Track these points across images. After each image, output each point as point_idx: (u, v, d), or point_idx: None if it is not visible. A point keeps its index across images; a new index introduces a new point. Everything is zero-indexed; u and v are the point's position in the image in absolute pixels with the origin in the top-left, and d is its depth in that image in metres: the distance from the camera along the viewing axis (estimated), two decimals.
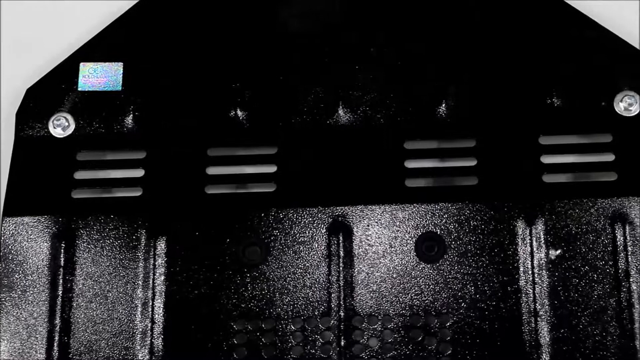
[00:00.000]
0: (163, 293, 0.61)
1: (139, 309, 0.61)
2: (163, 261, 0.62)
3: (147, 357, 0.60)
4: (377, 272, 0.61)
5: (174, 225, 0.62)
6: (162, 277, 0.61)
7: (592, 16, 0.64)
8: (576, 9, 0.64)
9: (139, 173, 0.63)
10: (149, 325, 0.61)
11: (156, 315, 0.61)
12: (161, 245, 0.62)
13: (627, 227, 0.60)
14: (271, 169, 0.63)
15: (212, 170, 0.63)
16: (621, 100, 0.62)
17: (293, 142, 0.63)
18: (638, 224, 0.60)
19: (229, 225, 0.62)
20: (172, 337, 0.61)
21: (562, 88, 0.63)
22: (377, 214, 0.62)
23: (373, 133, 0.63)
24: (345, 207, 0.62)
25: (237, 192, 0.63)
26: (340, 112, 0.64)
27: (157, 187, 0.63)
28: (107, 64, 0.65)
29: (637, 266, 0.60)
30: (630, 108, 0.62)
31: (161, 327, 0.61)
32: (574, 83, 0.63)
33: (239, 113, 0.64)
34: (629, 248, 0.60)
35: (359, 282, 0.61)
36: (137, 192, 0.63)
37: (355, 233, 0.62)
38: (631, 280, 0.60)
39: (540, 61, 0.64)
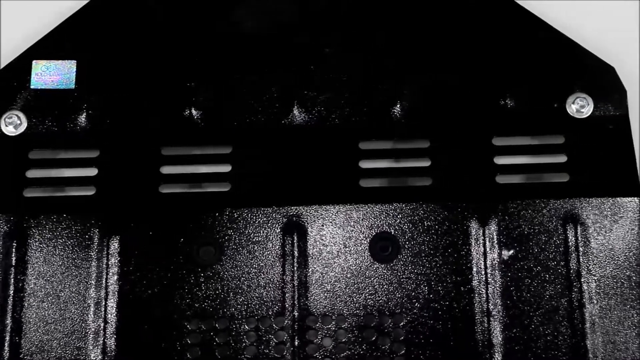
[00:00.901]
0: (116, 293, 0.61)
1: (92, 309, 0.61)
2: (116, 261, 0.61)
3: (100, 357, 0.60)
4: (331, 272, 0.61)
5: (127, 224, 0.61)
6: (115, 277, 0.61)
7: (545, 19, 0.65)
8: (529, 11, 0.65)
9: (92, 172, 0.63)
10: (102, 325, 0.60)
11: (109, 315, 0.60)
12: (114, 245, 0.61)
13: (579, 228, 0.61)
14: (226, 168, 0.63)
15: (166, 170, 0.63)
16: (573, 102, 0.63)
17: (248, 141, 0.63)
18: (589, 224, 0.61)
19: (182, 225, 0.62)
20: (125, 337, 0.60)
21: (515, 90, 0.64)
22: (332, 214, 0.62)
23: (328, 133, 0.63)
24: (300, 207, 0.62)
25: (191, 192, 0.63)
26: (295, 112, 0.64)
27: (110, 186, 0.62)
28: (60, 62, 0.64)
29: (588, 267, 0.61)
30: (582, 110, 0.63)
31: (114, 327, 0.60)
32: (527, 85, 0.64)
33: (194, 112, 0.64)
34: (581, 249, 0.61)
35: (313, 282, 0.61)
36: (90, 191, 0.63)
37: (309, 233, 0.62)
38: (582, 280, 0.60)
39: (494, 63, 0.64)
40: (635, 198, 0.61)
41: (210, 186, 0.63)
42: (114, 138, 0.63)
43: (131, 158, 0.63)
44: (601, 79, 0.63)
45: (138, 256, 0.61)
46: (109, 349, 0.60)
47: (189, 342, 0.60)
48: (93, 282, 0.61)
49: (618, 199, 0.61)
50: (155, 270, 0.61)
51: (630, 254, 0.60)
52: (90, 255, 0.61)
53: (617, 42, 0.67)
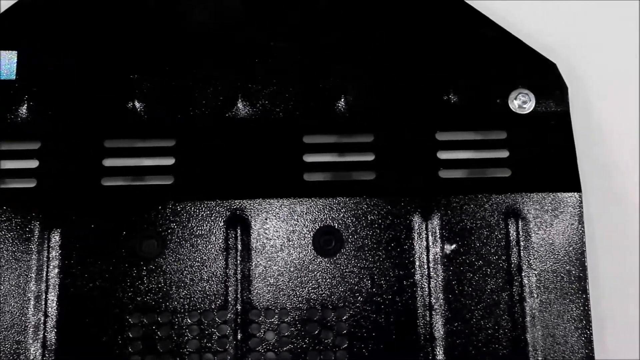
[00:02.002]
0: (57, 286, 0.60)
1: (32, 302, 0.60)
2: (57, 254, 0.61)
3: (40, 351, 0.59)
4: (274, 265, 0.61)
5: (68, 217, 0.61)
6: (56, 270, 0.60)
7: (489, 15, 0.65)
8: (474, 7, 0.65)
9: (33, 164, 0.62)
10: (42, 318, 0.60)
11: (49, 309, 0.60)
12: (55, 238, 0.61)
13: (520, 223, 0.62)
14: (169, 161, 0.63)
15: (108, 162, 0.63)
16: (515, 98, 0.64)
17: (191, 134, 0.63)
18: (530, 219, 0.62)
19: (125, 218, 0.61)
20: (66, 331, 0.60)
21: (459, 85, 0.64)
22: (275, 207, 0.62)
23: (272, 127, 0.63)
24: (244, 201, 0.62)
25: (134, 185, 0.63)
26: (240, 105, 0.64)
27: (51, 179, 0.62)
28: (1, 52, 0.64)
29: (528, 261, 0.61)
30: (524, 106, 0.64)
31: (54, 320, 0.60)
32: (470, 80, 0.64)
33: (137, 104, 0.63)
34: (522, 243, 0.61)
35: (257, 275, 0.61)
36: (30, 184, 0.62)
37: (253, 226, 0.61)
38: (523, 274, 0.61)
39: (438, 58, 0.64)
40: (576, 193, 0.62)
41: (153, 179, 0.63)
42: (55, 130, 0.62)
43: (73, 150, 0.62)
44: (543, 76, 0.64)
45: (79, 249, 0.61)
46: (49, 342, 0.60)
47: (131, 335, 0.60)
48: (33, 275, 0.60)
49: (559, 194, 0.62)
50: (96, 263, 0.60)
51: (570, 248, 0.61)
52: (31, 248, 0.61)
53: (560, 39, 0.67)
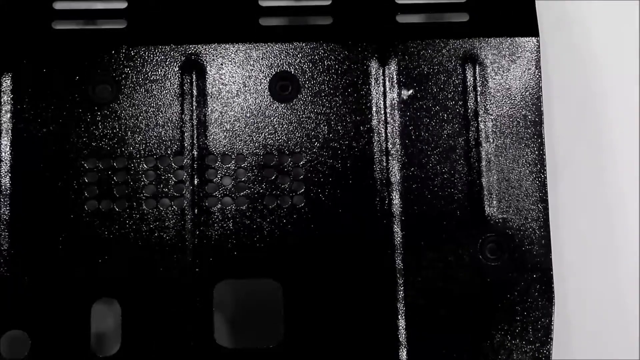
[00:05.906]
0: (10, 131, 0.59)
1: None
2: (9, 98, 0.59)
3: None
4: (230, 111, 0.61)
5: (19, 61, 0.60)
6: (9, 115, 0.59)
7: None
8: None
9: None
10: None
11: (3, 154, 0.59)
12: (6, 82, 0.59)
13: (477, 68, 0.61)
14: (122, 4, 0.61)
15: (59, 5, 0.61)
16: None
17: None
18: (488, 64, 0.61)
19: (77, 63, 0.60)
20: (20, 176, 0.59)
21: None
22: (231, 52, 0.61)
23: None
24: (199, 45, 0.61)
25: (86, 29, 0.61)
26: None
27: (0, 21, 0.60)
28: None
29: (485, 106, 0.61)
30: None
31: (8, 165, 0.59)
32: None
33: None
34: (479, 88, 0.61)
35: (213, 121, 0.60)
36: None
37: (208, 72, 0.61)
38: (479, 119, 0.61)
39: None
40: (533, 38, 0.61)
41: (105, 23, 0.61)
42: None
43: None
44: None
45: (31, 94, 0.59)
46: (3, 187, 0.59)
47: (87, 180, 0.59)
48: None
49: (516, 38, 0.61)
50: (49, 108, 0.59)
51: (527, 93, 0.61)
52: None
53: None
